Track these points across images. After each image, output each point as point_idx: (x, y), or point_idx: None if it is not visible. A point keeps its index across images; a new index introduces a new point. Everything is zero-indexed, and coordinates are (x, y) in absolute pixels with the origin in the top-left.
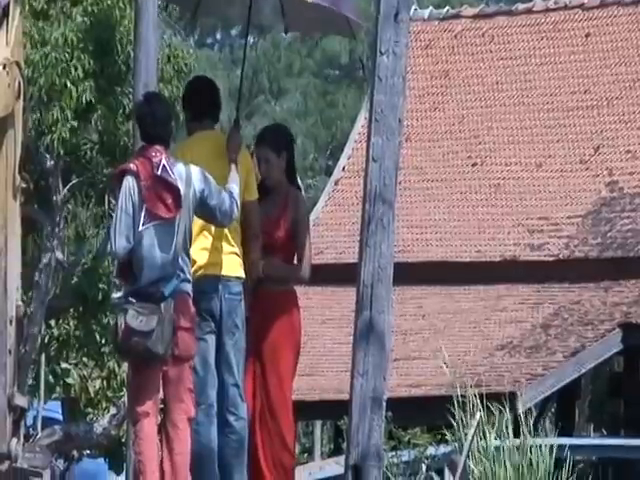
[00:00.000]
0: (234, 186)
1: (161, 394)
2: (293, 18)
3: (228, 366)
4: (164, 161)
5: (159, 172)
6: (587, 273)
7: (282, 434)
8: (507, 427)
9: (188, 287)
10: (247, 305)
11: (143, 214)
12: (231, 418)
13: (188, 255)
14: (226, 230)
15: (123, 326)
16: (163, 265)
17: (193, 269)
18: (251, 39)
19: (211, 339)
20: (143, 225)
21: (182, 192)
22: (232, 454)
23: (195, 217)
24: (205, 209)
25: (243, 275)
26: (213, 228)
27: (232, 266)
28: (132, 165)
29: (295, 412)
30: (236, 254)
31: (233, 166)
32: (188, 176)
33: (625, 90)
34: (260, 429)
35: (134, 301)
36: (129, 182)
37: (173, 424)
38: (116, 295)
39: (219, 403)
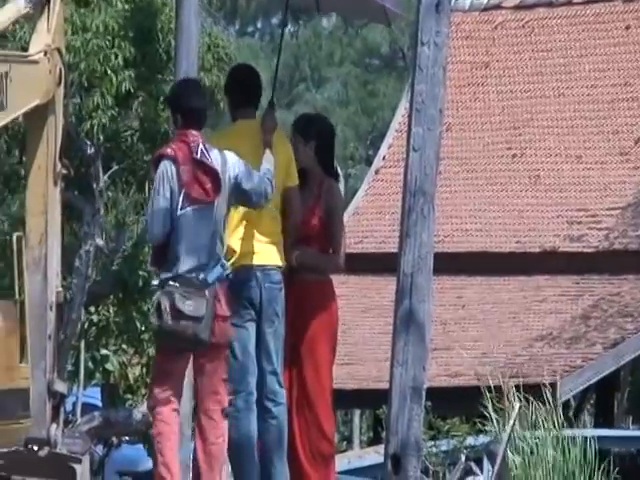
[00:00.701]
0: (269, 167)
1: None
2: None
3: (267, 354)
4: (201, 145)
5: (198, 156)
6: (627, 265)
7: (320, 423)
8: (546, 418)
9: (224, 274)
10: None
11: (181, 198)
12: (270, 404)
13: (222, 241)
14: (266, 219)
15: (169, 309)
16: (202, 250)
17: (233, 259)
18: (292, 27)
19: (251, 327)
20: (181, 209)
21: (220, 176)
22: (272, 439)
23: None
24: (240, 193)
25: (283, 263)
26: (253, 217)
27: (272, 255)
28: (169, 150)
29: (334, 401)
30: (276, 243)
31: (268, 149)
32: (224, 161)
33: None
34: (298, 419)
35: (177, 285)
36: (166, 166)
37: (207, 415)
38: (156, 282)
39: (258, 391)
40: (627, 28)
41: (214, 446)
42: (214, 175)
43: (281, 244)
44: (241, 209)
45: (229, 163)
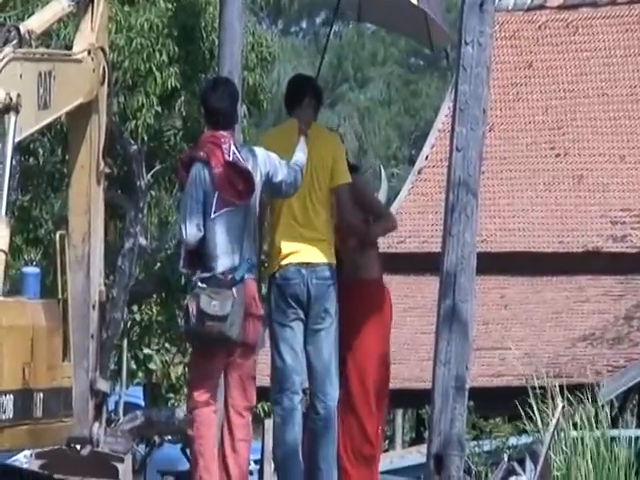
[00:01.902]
0: (301, 155)
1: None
2: (368, 8)
3: (317, 352)
4: (233, 147)
5: (230, 158)
6: None
7: (362, 425)
8: (588, 418)
9: (255, 273)
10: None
11: (215, 201)
12: (319, 405)
13: (254, 240)
14: (312, 215)
15: (195, 311)
16: (236, 251)
17: (278, 258)
18: (335, 27)
19: (297, 326)
20: (215, 213)
21: (253, 176)
22: (318, 437)
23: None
24: (271, 187)
25: (333, 261)
26: (300, 216)
27: (319, 253)
28: (201, 153)
29: (383, 403)
30: (324, 241)
31: (303, 138)
32: (254, 159)
33: None
34: (341, 420)
35: (205, 286)
36: (199, 170)
37: (236, 412)
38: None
39: (309, 388)
40: None
41: (242, 443)
42: (247, 176)
43: (330, 243)
44: (287, 208)
45: (259, 160)
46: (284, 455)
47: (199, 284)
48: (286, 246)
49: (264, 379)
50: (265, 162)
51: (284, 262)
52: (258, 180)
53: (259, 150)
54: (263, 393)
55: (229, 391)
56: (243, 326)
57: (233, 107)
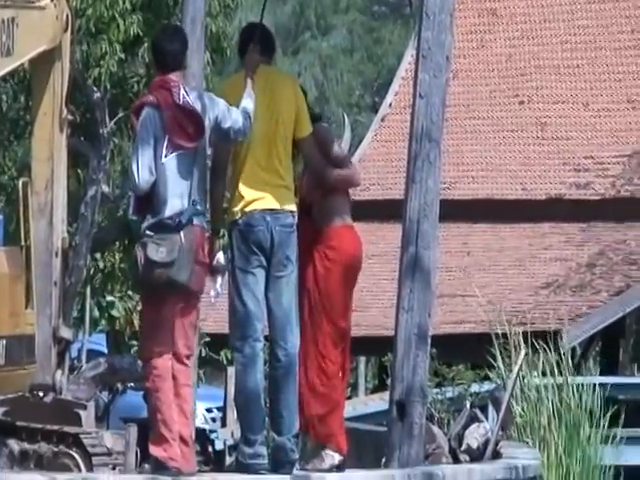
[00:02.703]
0: (249, 101)
1: None
2: None
3: (278, 299)
4: (182, 90)
5: (180, 101)
6: (633, 212)
7: (322, 360)
8: (551, 366)
9: (203, 220)
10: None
11: (165, 145)
12: (280, 352)
13: (204, 183)
14: (276, 162)
15: (143, 260)
16: (184, 194)
17: (242, 204)
18: None
19: (260, 273)
20: (165, 156)
21: (202, 119)
22: (279, 384)
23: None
24: (220, 133)
25: (294, 208)
26: (262, 162)
27: (283, 199)
28: (151, 97)
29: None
30: (286, 187)
31: (249, 82)
32: (203, 104)
33: None
34: (302, 355)
35: (152, 234)
36: (149, 114)
37: (178, 360)
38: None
39: (269, 335)
40: None
41: (186, 387)
42: (197, 119)
43: (292, 189)
44: (251, 154)
45: (208, 105)
46: (246, 402)
47: (146, 232)
48: (250, 192)
49: (225, 327)
50: (214, 107)
51: (248, 208)
52: (207, 124)
53: (208, 95)
54: (224, 340)
55: (172, 338)
56: (191, 270)
57: (182, 50)
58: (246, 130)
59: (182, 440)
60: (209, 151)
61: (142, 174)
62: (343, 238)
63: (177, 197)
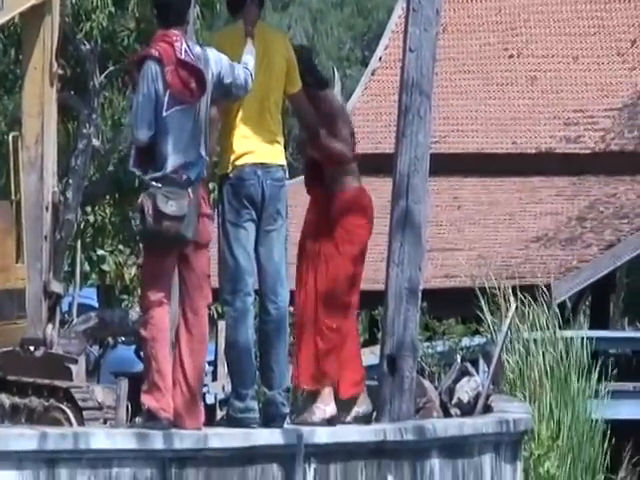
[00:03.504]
0: (249, 57)
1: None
2: None
3: (269, 253)
4: (184, 45)
5: (182, 56)
6: (623, 166)
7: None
8: (541, 319)
9: (204, 172)
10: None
11: (167, 99)
12: (271, 306)
13: (207, 139)
14: (267, 117)
15: (151, 211)
16: (187, 149)
17: (233, 157)
18: None
19: (250, 227)
20: (167, 111)
21: (204, 74)
22: (270, 338)
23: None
24: (221, 88)
25: (284, 162)
26: (254, 116)
27: (274, 153)
28: (153, 50)
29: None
30: (277, 141)
31: (249, 39)
32: (206, 59)
33: None
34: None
35: (160, 186)
36: (151, 68)
37: (194, 310)
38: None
39: (259, 289)
40: None
41: (198, 343)
42: (198, 74)
43: (282, 143)
44: (244, 109)
45: (211, 60)
46: (237, 356)
47: (153, 183)
48: (241, 146)
49: (214, 280)
50: (217, 62)
51: (239, 162)
52: (210, 79)
53: (211, 50)
54: (214, 294)
55: (186, 291)
56: (196, 225)
57: (184, 5)
58: (247, 86)
59: (191, 394)
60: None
61: (141, 128)
62: (361, 199)
63: (180, 151)
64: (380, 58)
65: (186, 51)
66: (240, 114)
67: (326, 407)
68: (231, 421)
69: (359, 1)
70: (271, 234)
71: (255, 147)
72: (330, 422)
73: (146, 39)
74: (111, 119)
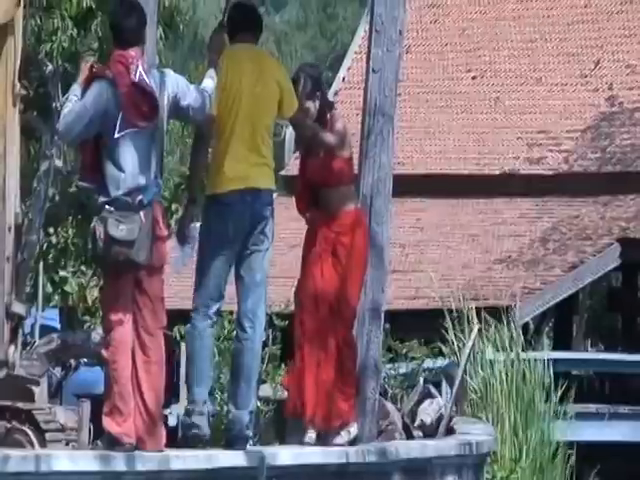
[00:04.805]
0: (209, 81)
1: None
2: None
3: (252, 273)
4: (140, 67)
5: (136, 79)
6: (586, 188)
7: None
8: (504, 341)
9: (160, 195)
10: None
11: (119, 121)
12: (247, 324)
13: (161, 162)
14: (259, 141)
15: (103, 235)
16: (141, 172)
17: (222, 180)
18: None
19: (230, 253)
20: (119, 132)
21: (158, 99)
22: (242, 356)
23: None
24: (179, 111)
25: (274, 186)
26: (246, 140)
27: (263, 178)
28: (108, 72)
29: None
30: (267, 165)
31: (212, 64)
32: (162, 81)
33: (625, 4)
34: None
35: (112, 209)
36: (103, 87)
37: (149, 333)
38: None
39: (238, 307)
40: None
41: (156, 365)
42: (152, 98)
43: (272, 167)
44: (234, 131)
45: (167, 82)
46: (189, 371)
47: (106, 207)
48: (231, 170)
49: (178, 303)
50: (173, 84)
51: (229, 187)
52: (165, 103)
53: (168, 72)
54: (177, 316)
55: (140, 315)
56: (150, 249)
57: (140, 25)
58: (206, 110)
59: (150, 417)
60: (167, 128)
61: (78, 127)
62: (359, 221)
63: (133, 174)
64: (343, 79)
65: (141, 73)
66: (231, 136)
67: (349, 428)
68: (182, 440)
69: (322, 23)
70: (255, 255)
71: (246, 172)
72: (352, 443)
73: (109, 59)
74: None
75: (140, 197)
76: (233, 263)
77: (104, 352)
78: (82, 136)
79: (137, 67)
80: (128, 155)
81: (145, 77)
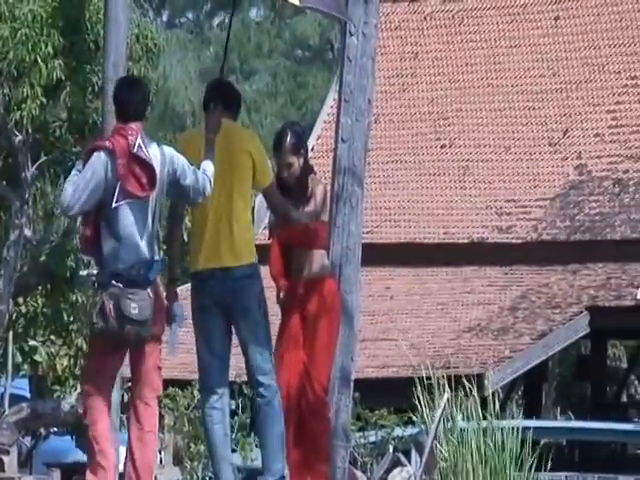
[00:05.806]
0: (209, 163)
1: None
2: None
3: (247, 343)
4: (139, 140)
5: (135, 150)
6: (555, 256)
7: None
8: (474, 409)
9: (161, 268)
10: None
11: (117, 191)
12: (259, 388)
13: (159, 236)
14: (233, 219)
15: (114, 312)
16: (140, 245)
17: (196, 259)
18: (220, 19)
19: (217, 324)
20: (117, 202)
21: (157, 171)
22: (261, 419)
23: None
24: (178, 189)
25: (251, 259)
26: (219, 215)
27: (237, 255)
28: (108, 142)
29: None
30: (244, 242)
31: (210, 144)
32: (162, 156)
33: (593, 73)
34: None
35: (121, 286)
36: (102, 158)
37: (144, 402)
38: (85, 272)
39: (249, 374)
40: (556, 19)
41: (149, 434)
42: (150, 170)
43: (250, 242)
44: (207, 209)
45: (167, 158)
46: (209, 453)
47: (113, 282)
48: (203, 248)
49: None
50: (172, 161)
51: (199, 266)
52: (164, 177)
53: (167, 149)
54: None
55: (137, 383)
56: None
57: (142, 100)
58: (205, 192)
59: None
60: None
61: (81, 199)
62: (332, 287)
63: (131, 246)
64: (312, 148)
65: (139, 146)
66: (205, 214)
67: None
68: None
69: (293, 91)
70: (244, 329)
71: (216, 250)
72: None
73: (78, 129)
74: (43, 210)
75: (143, 272)
76: (224, 331)
77: (84, 419)
78: (84, 207)
79: (136, 139)
80: (125, 225)
81: (144, 149)
